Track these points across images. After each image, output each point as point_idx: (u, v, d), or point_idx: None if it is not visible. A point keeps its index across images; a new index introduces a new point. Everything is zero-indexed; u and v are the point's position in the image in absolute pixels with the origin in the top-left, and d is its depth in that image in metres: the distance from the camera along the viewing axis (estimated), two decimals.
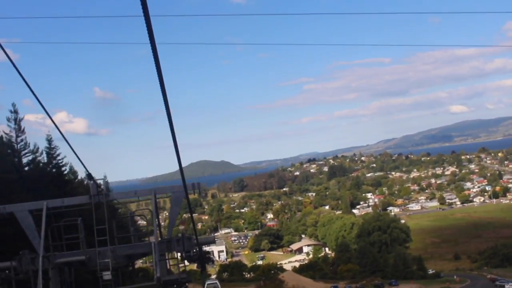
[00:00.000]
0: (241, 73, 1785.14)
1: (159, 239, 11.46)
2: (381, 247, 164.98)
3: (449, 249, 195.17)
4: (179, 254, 11.97)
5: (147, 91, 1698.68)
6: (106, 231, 12.02)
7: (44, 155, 69.53)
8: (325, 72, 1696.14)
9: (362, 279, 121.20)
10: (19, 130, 62.64)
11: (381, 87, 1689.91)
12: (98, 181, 11.99)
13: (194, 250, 11.78)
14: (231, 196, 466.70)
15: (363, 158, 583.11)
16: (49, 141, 71.37)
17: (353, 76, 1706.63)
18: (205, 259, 12.72)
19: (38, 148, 65.95)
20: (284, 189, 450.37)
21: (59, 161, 72.55)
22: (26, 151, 63.76)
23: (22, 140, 62.95)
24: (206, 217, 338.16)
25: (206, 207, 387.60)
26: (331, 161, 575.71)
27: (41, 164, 67.39)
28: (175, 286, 11.04)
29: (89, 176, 12.12)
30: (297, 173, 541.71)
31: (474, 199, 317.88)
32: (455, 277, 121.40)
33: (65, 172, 77.40)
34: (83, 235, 11.93)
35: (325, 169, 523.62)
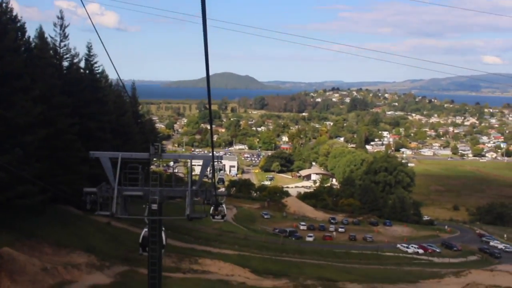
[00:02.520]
0: None
1: (191, 188, 17.33)
2: (385, 187, 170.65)
3: (451, 199, 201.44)
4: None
5: None
6: (158, 177, 17.91)
7: (83, 61, 75.70)
8: (362, 2, 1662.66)
9: (359, 215, 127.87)
10: (64, 36, 68.02)
11: (417, 25, 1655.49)
12: (156, 145, 17.72)
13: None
14: (250, 112, 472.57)
15: (386, 95, 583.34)
16: (89, 48, 77.18)
17: (390, 10, 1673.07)
18: (218, 204, 18.68)
19: (78, 54, 71.59)
20: (304, 114, 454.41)
21: (96, 69, 78.66)
22: (67, 55, 69.47)
23: (65, 46, 68.42)
24: (223, 130, 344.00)
25: (224, 120, 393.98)
26: (355, 93, 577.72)
27: (80, 70, 73.40)
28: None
29: (151, 143, 17.75)
30: (319, 99, 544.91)
31: (487, 154, 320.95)
32: (446, 227, 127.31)
33: (99, 77, 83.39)
34: (141, 177, 17.69)
35: (347, 100, 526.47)
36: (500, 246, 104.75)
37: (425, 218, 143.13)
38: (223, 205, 18.80)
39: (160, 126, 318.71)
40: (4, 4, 52.66)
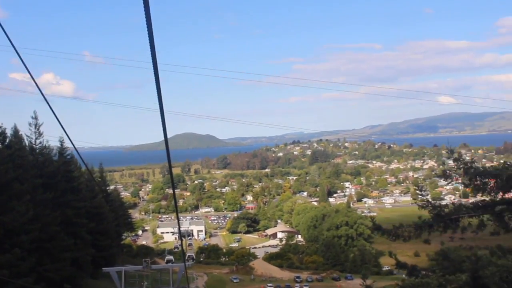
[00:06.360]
0: (232, 48, 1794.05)
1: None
2: (347, 240, 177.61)
3: (412, 245, 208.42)
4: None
5: (137, 59, 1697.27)
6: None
7: (57, 154, 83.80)
8: (315, 54, 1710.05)
9: (323, 271, 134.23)
10: (39, 134, 76.32)
11: (370, 72, 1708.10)
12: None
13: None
14: (214, 173, 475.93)
15: (346, 144, 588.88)
16: (61, 142, 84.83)
17: (343, 60, 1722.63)
18: None
19: (52, 149, 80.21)
20: (266, 170, 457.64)
21: (68, 159, 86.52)
22: (43, 151, 77.52)
23: (40, 143, 76.79)
24: (188, 194, 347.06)
25: (188, 183, 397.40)
26: (315, 144, 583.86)
27: (54, 163, 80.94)
28: None
29: (143, 259, 25.57)
30: (280, 154, 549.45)
31: (445, 197, 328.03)
32: (404, 275, 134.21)
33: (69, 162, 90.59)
34: (137, 281, 25.35)
35: (308, 152, 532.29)
36: None
37: (385, 268, 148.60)
38: None
39: (125, 194, 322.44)
40: None
